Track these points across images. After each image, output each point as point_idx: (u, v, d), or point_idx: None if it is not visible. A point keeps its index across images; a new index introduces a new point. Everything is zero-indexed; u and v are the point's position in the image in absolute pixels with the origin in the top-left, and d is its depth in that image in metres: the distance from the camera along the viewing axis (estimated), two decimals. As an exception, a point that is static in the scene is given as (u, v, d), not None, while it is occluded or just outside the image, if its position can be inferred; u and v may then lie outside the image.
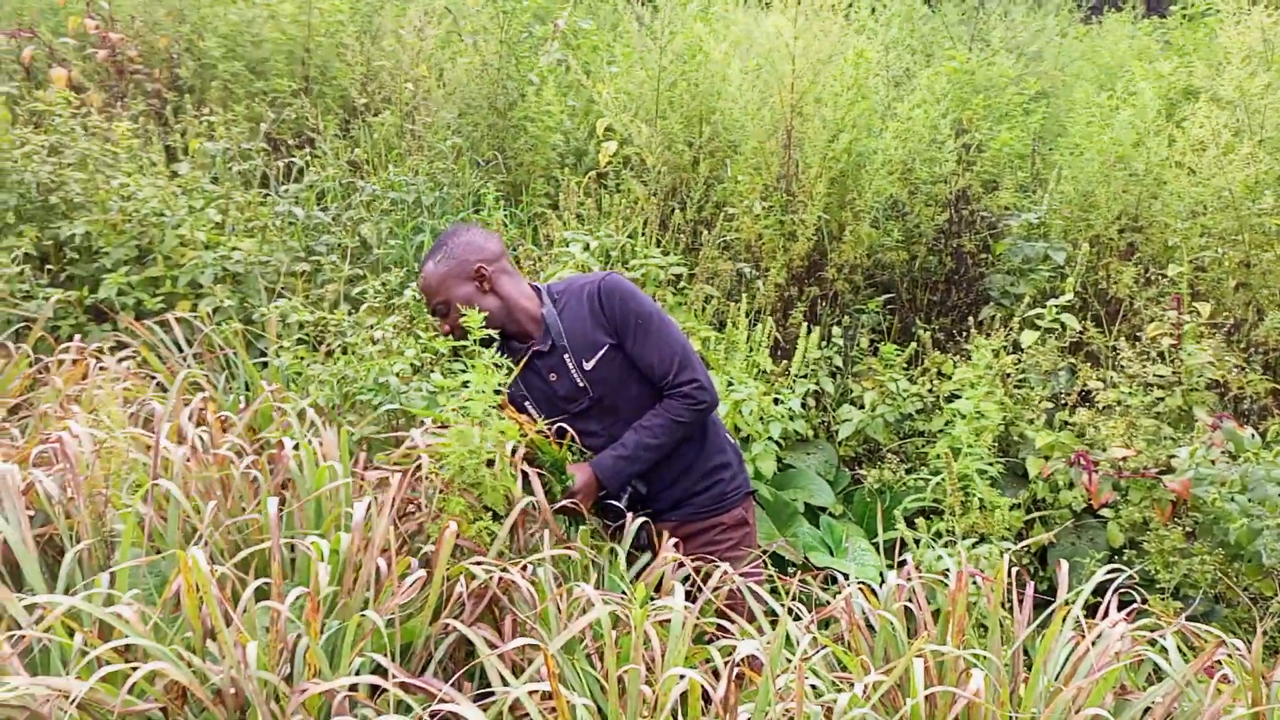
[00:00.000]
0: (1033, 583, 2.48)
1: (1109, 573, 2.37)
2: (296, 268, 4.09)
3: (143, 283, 3.95)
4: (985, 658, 1.92)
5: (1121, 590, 3.36)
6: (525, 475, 2.34)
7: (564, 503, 2.44)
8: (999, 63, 4.83)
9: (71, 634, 1.68)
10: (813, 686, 1.79)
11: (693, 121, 4.40)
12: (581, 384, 2.54)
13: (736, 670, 1.72)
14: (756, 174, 4.04)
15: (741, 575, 2.59)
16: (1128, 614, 2.25)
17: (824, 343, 3.84)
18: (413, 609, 1.94)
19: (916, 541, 3.35)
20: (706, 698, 1.74)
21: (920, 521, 3.29)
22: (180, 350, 3.63)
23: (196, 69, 5.41)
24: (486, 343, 2.31)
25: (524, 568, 2.11)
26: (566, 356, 2.53)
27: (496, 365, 2.26)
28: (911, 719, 1.83)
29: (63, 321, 3.75)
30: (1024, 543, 3.05)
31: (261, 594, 1.77)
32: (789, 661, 1.89)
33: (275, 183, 4.78)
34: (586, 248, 3.91)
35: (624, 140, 4.45)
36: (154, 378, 3.29)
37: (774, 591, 3.15)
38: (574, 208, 4.20)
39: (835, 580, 3.22)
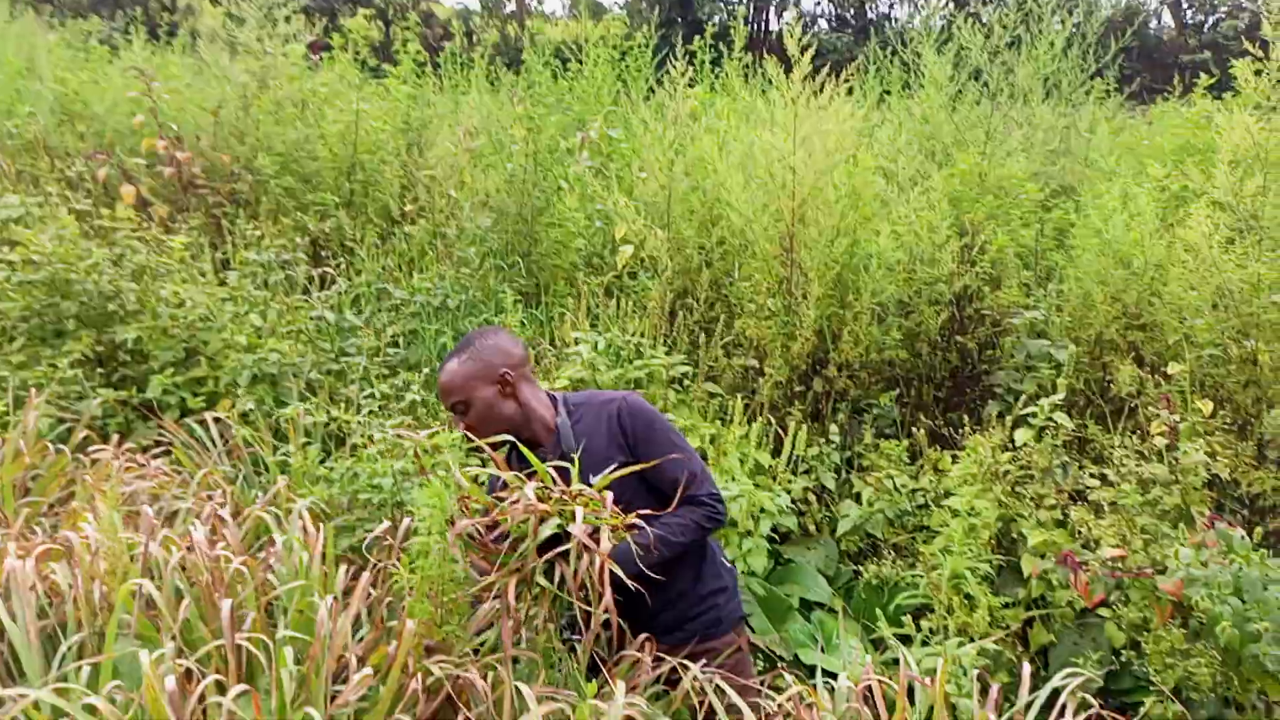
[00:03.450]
0: (992, 683, 2.50)
1: (1066, 676, 2.38)
2: (327, 368, 4.36)
3: (187, 383, 4.24)
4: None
5: (1118, 693, 3.34)
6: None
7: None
8: (1009, 165, 4.94)
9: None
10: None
11: (704, 226, 4.60)
12: None
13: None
14: (762, 275, 4.20)
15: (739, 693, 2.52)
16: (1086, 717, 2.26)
17: (823, 439, 3.92)
18: (368, 705, 2.08)
19: (908, 639, 3.35)
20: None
21: (918, 619, 3.30)
22: (214, 447, 3.90)
23: (253, 183, 5.85)
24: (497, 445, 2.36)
25: (487, 666, 2.24)
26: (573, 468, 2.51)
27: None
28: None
29: (111, 420, 4.05)
30: (997, 637, 3.04)
31: (223, 688, 1.93)
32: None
33: (315, 289, 5.10)
34: (595, 347, 4.09)
35: (640, 244, 4.66)
36: (183, 474, 3.54)
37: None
38: (588, 309, 4.41)
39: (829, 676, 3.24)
